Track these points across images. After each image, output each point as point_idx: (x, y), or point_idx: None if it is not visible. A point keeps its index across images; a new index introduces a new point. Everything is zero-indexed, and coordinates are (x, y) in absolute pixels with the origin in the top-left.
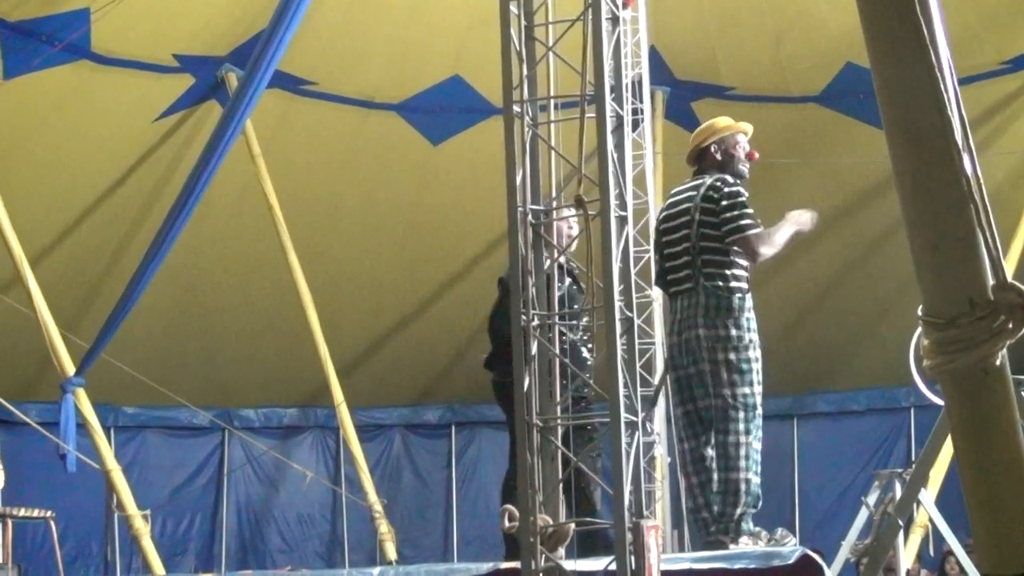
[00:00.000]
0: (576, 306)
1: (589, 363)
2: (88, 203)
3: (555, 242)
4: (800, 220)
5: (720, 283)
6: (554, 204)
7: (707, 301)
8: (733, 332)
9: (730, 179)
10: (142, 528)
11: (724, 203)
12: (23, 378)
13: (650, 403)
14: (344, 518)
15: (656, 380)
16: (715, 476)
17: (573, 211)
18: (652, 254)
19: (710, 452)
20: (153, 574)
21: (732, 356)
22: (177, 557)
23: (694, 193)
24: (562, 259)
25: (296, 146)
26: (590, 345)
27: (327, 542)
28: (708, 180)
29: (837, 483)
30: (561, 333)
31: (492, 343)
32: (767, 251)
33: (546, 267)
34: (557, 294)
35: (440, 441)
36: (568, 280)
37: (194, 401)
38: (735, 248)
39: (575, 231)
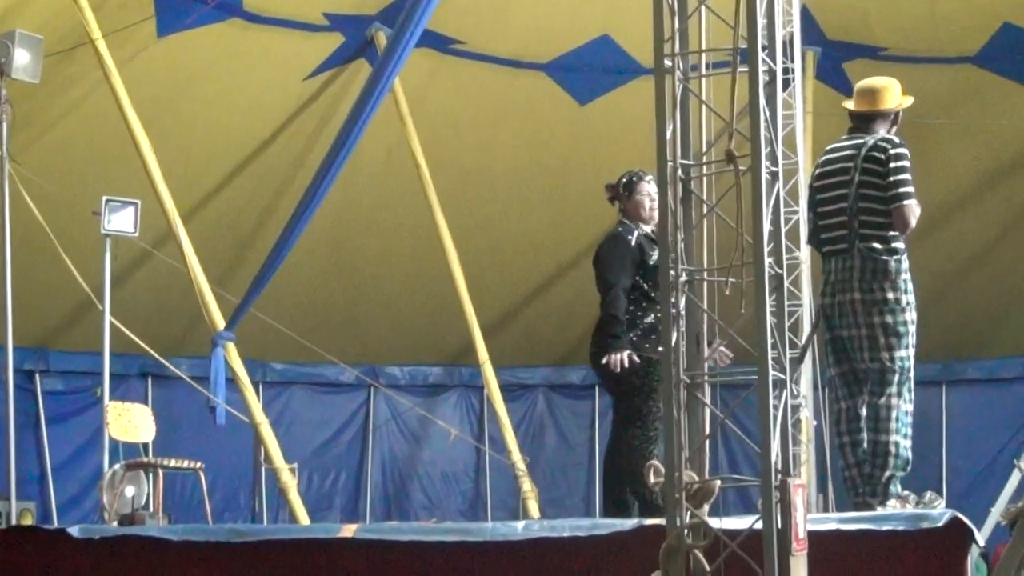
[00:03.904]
0: None
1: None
2: (239, 161)
3: (641, 214)
4: None
5: (877, 245)
6: (704, 159)
7: (863, 264)
8: (890, 295)
9: (896, 139)
10: (289, 481)
11: (892, 165)
12: (175, 333)
13: (797, 362)
14: (488, 477)
15: (802, 341)
16: (865, 437)
17: (724, 166)
18: (804, 212)
19: (864, 412)
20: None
21: (889, 319)
22: (323, 511)
23: (855, 152)
24: (649, 229)
25: (444, 105)
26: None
27: (470, 500)
28: (871, 140)
29: (986, 452)
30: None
31: (605, 324)
32: (913, 225)
33: (635, 237)
34: (650, 263)
35: (584, 402)
36: (657, 249)
37: (341, 358)
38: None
39: (657, 202)
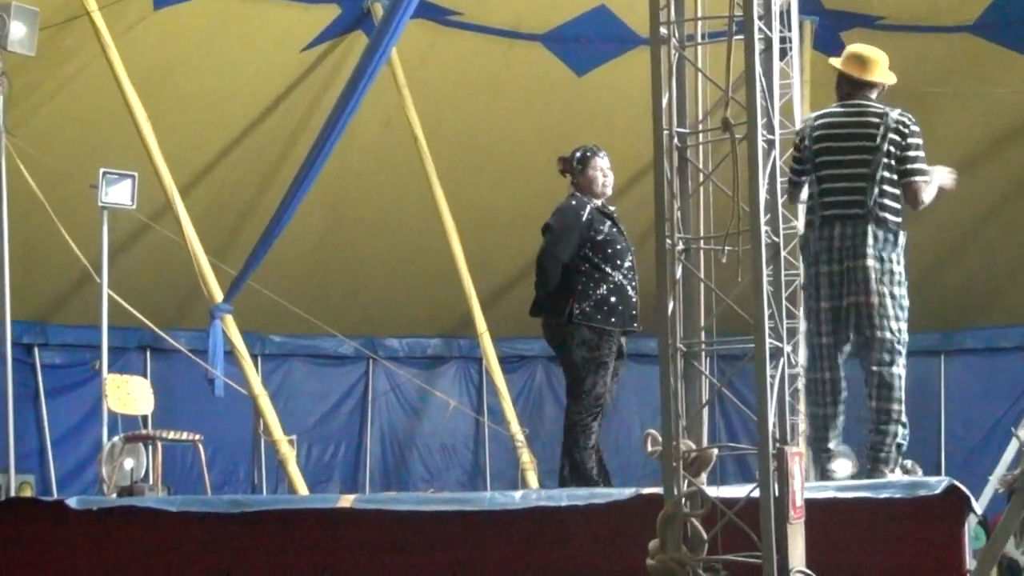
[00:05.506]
0: (619, 247)
1: (634, 300)
2: (236, 133)
3: (594, 189)
4: (944, 178)
5: (893, 217)
6: (700, 128)
7: (883, 233)
8: (897, 268)
9: (912, 117)
10: (288, 453)
11: (912, 141)
12: (173, 306)
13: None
14: (487, 448)
15: (800, 312)
16: (848, 406)
17: (720, 134)
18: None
19: (877, 380)
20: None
21: (897, 291)
22: (322, 483)
23: (878, 120)
24: (599, 203)
25: (441, 76)
26: (635, 284)
27: (469, 471)
28: (892, 112)
29: (984, 421)
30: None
31: (537, 288)
32: (927, 203)
33: (587, 212)
34: (598, 237)
35: None
36: (608, 223)
37: (339, 330)
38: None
39: (610, 178)
